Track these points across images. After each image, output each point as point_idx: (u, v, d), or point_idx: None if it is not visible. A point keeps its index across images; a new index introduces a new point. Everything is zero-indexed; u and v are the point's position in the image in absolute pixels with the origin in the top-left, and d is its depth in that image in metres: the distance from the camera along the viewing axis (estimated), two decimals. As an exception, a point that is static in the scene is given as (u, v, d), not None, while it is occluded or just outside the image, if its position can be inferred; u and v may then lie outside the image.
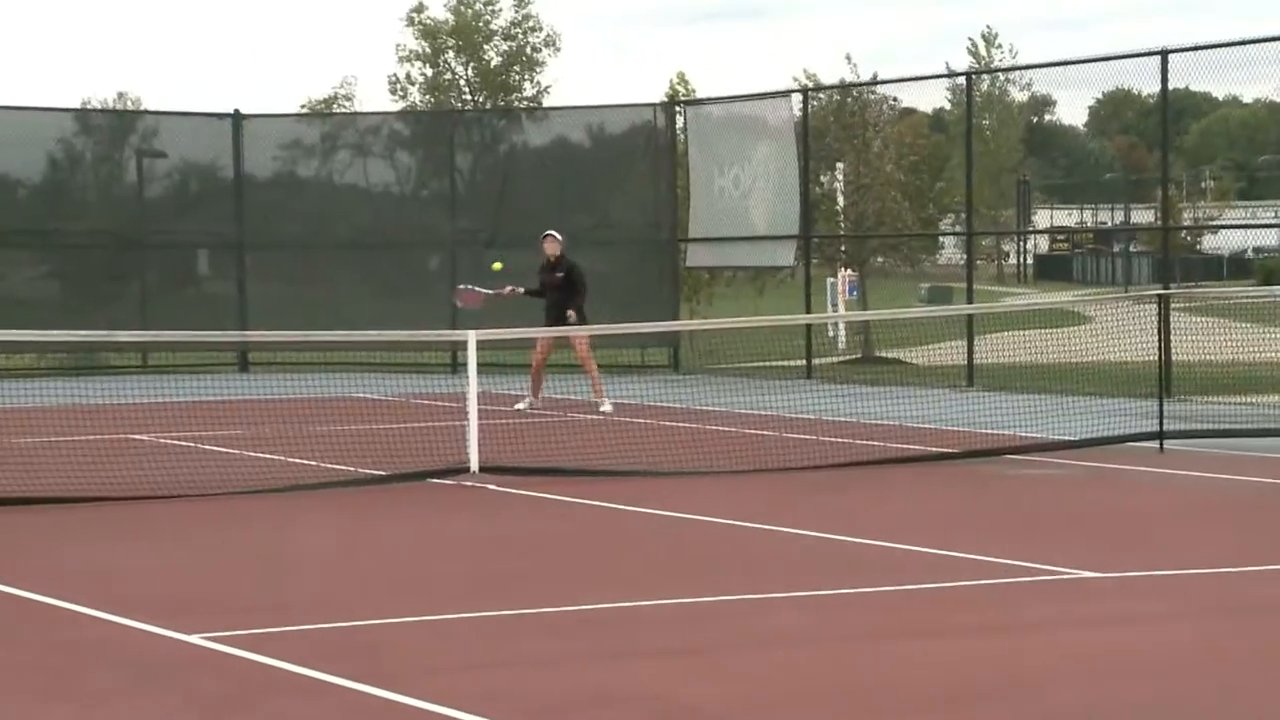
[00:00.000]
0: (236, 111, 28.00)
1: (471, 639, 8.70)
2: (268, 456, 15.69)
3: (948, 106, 45.01)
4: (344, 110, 54.54)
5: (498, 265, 21.22)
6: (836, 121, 31.05)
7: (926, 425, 17.95)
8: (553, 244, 20.41)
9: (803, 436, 17.16)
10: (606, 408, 19.69)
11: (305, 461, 15.31)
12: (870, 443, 16.28)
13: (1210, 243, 57.09)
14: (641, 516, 12.73)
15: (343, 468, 14.94)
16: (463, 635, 8.78)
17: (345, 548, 11.55)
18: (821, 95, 30.50)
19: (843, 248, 31.43)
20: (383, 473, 14.49)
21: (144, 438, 16.84)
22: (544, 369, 20.36)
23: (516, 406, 19.89)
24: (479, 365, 14.90)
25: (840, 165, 30.58)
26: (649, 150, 28.08)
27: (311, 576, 10.51)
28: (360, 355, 26.17)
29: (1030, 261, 67.04)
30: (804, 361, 24.97)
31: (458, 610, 9.29)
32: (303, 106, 57.96)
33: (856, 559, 10.94)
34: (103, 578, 10.46)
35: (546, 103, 55.93)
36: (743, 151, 26.61)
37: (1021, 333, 23.94)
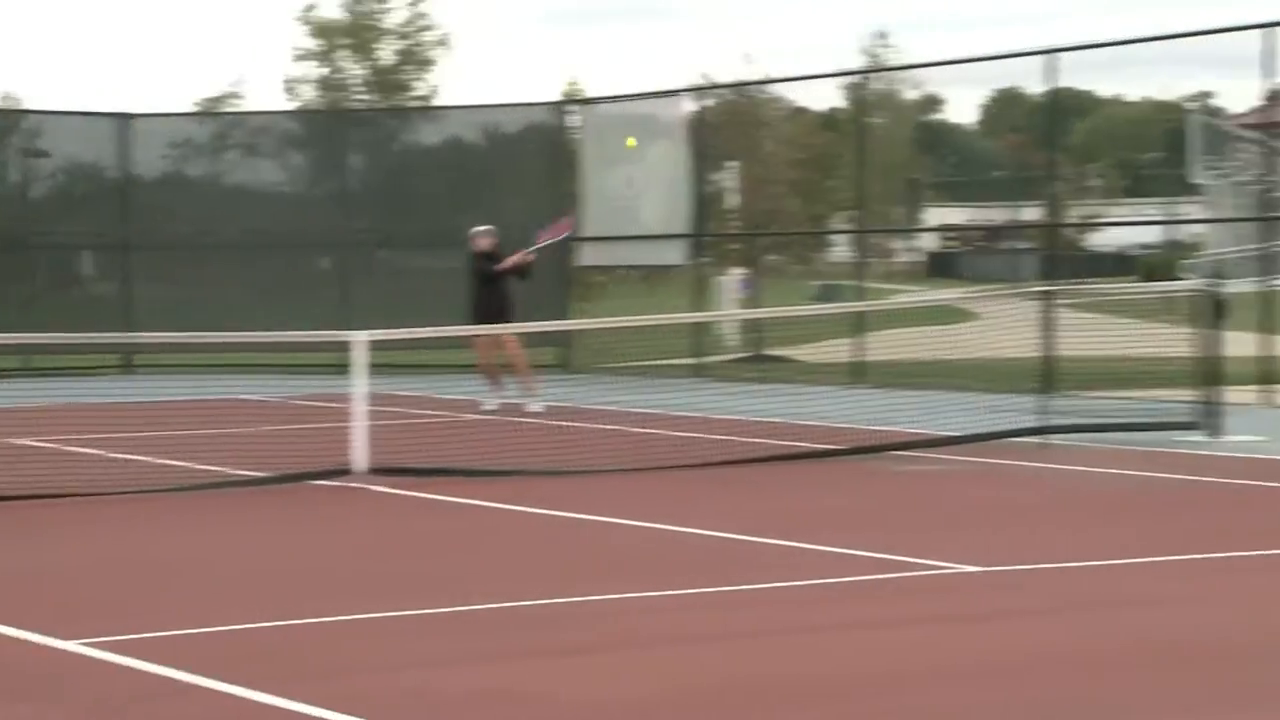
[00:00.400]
0: (123, 111, 27.75)
1: (352, 641, 8.65)
2: (148, 459, 15.52)
3: (842, 105, 45.25)
4: (235, 109, 54.13)
5: (631, 142, 21.30)
6: (729, 120, 31.17)
7: (815, 422, 18.03)
8: (487, 239, 20.34)
9: (692, 434, 17.19)
10: (537, 407, 19.57)
11: (186, 464, 15.17)
12: (760, 440, 16.34)
13: (1096, 240, 57.66)
14: (532, 516, 12.71)
15: (224, 470, 14.80)
16: (343, 637, 8.73)
17: (223, 551, 11.45)
18: (715, 94, 30.59)
19: (735, 246, 31.54)
20: (264, 474, 14.37)
21: (24, 441, 16.63)
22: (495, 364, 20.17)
23: (487, 408, 19.66)
24: (370, 366, 14.81)
25: (732, 164, 30.68)
26: (543, 149, 28.06)
27: (189, 580, 10.40)
28: (248, 357, 25.99)
29: (921, 260, 67.50)
30: (694, 360, 25.02)
31: (337, 613, 9.22)
32: (194, 105, 57.52)
33: (743, 556, 10.97)
34: (-24, 583, 10.32)
35: (439, 102, 55.77)
36: (636, 150, 26.64)
37: (911, 329, 24.12)
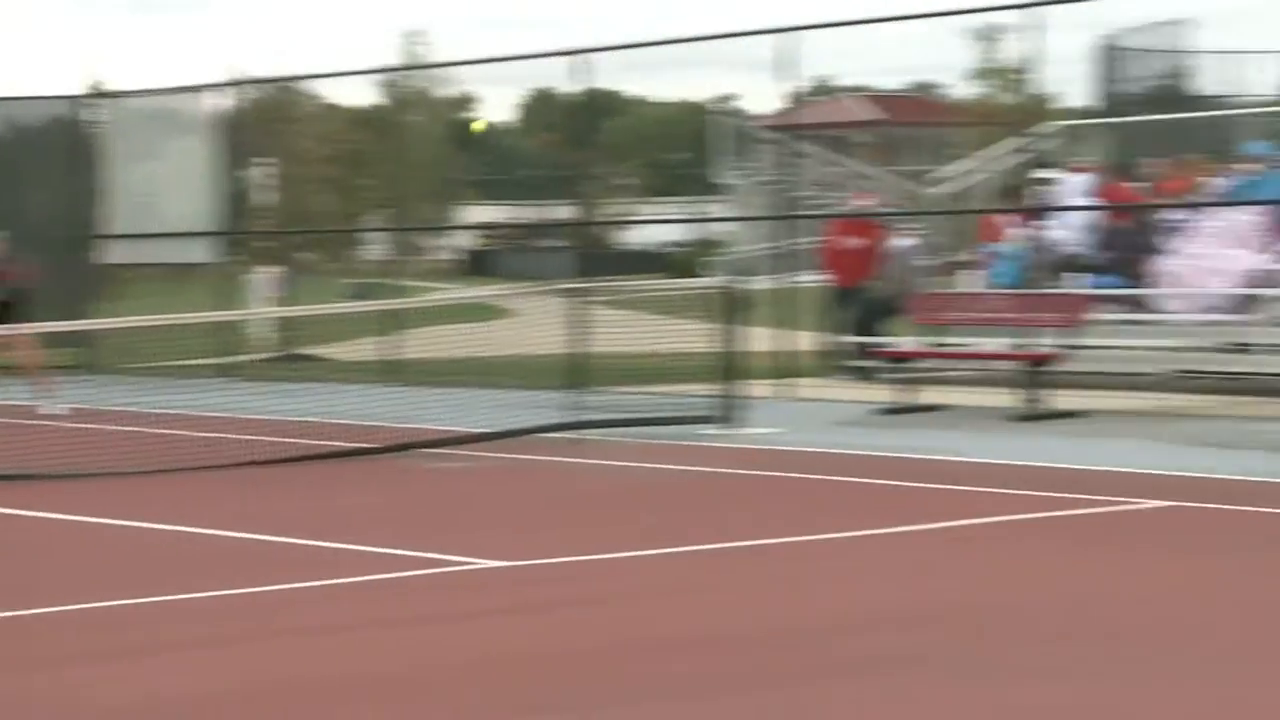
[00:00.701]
0: None
1: None
2: None
3: (377, 103, 45.06)
4: None
5: (480, 125, 20.47)
6: (260, 116, 30.71)
7: (347, 421, 17.89)
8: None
9: (219, 435, 16.85)
10: (60, 409, 19.00)
11: None
12: (290, 440, 16.11)
13: (626, 238, 58.83)
14: (49, 522, 12.27)
15: None
16: None
17: None
18: (246, 90, 30.10)
19: (266, 243, 31.10)
20: None
21: None
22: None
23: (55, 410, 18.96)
24: None
25: (262, 160, 30.25)
26: (66, 143, 27.19)
27: None
28: None
29: (458, 258, 67.80)
30: (220, 360, 24.58)
31: None
32: None
33: (264, 557, 10.78)
34: None
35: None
36: (161, 146, 26.07)
37: (446, 327, 24.15)
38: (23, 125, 28.07)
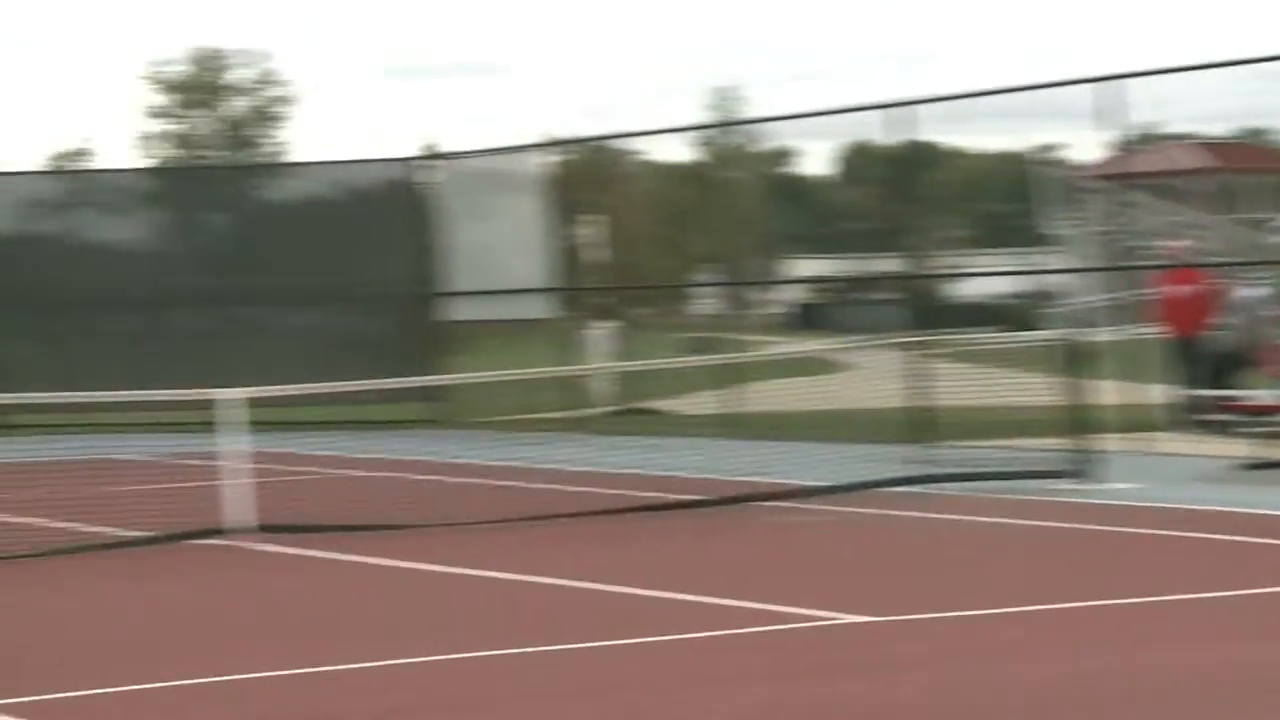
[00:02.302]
0: (-25, 169, 27.24)
1: (208, 705, 8.49)
2: (19, 520, 15.16)
3: (694, 160, 45.38)
4: (87, 167, 53.45)
5: None
6: (588, 175, 31.20)
7: (683, 474, 17.96)
8: None
9: (570, 488, 17.07)
10: None
11: (59, 524, 14.83)
12: (629, 493, 16.23)
13: (958, 290, 58.17)
14: (408, 573, 12.53)
15: (99, 529, 14.50)
16: (199, 701, 8.56)
17: (83, 612, 11.24)
18: (569, 149, 30.61)
19: (598, 299, 31.47)
20: (136, 534, 14.09)
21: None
22: None
23: None
24: (240, 423, 14.58)
25: (590, 217, 30.67)
26: (403, 205, 27.89)
27: (51, 642, 10.17)
28: (115, 416, 25.50)
29: (789, 311, 67.78)
30: (564, 414, 24.90)
31: (199, 674, 9.04)
32: (46, 162, 56.80)
33: (624, 610, 10.86)
34: None
35: (291, 157, 55.39)
36: (494, 205, 26.60)
37: (784, 381, 24.14)
38: (359, 188, 28.86)
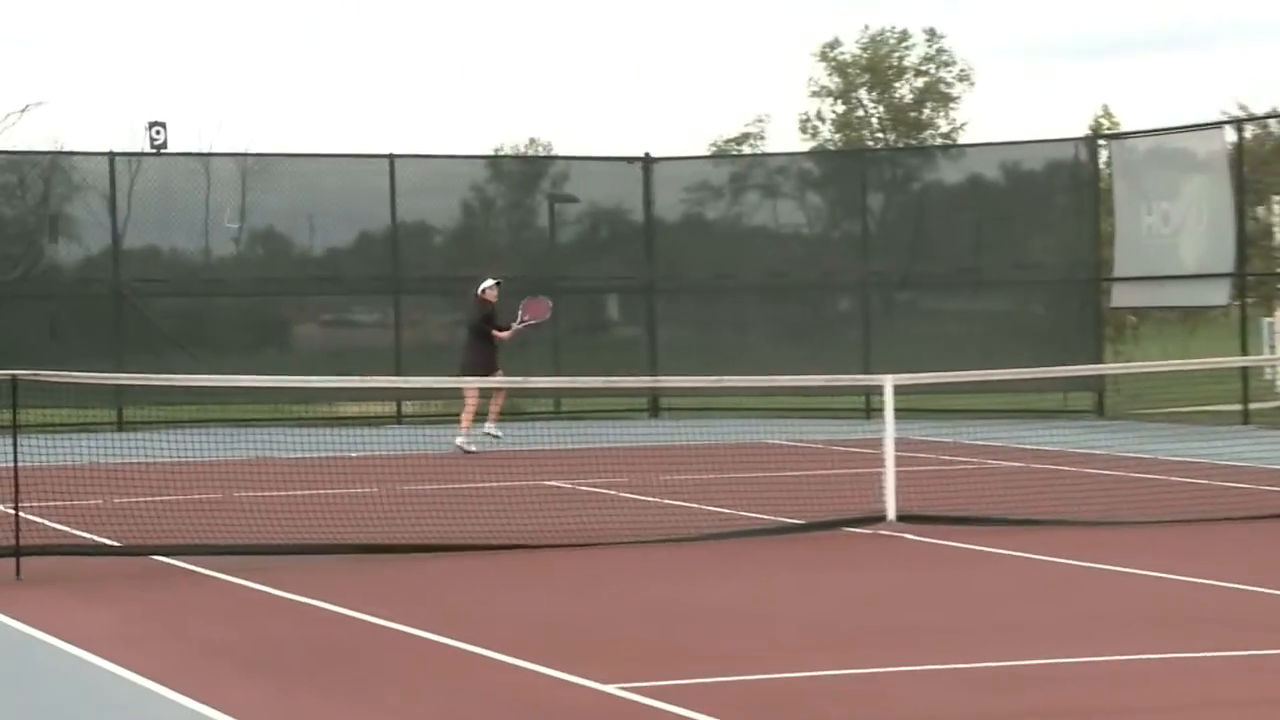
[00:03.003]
0: (647, 155, 27.94)
1: (890, 694, 8.25)
2: (680, 504, 15.34)
3: None
4: (752, 151, 54.50)
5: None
6: (1276, 153, 29.60)
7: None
8: (494, 293, 21.19)
9: (1239, 485, 16.10)
10: (461, 440, 20.32)
11: (717, 509, 14.91)
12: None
13: None
14: (1062, 568, 12.00)
15: (755, 515, 14.53)
16: (877, 690, 8.35)
17: (757, 598, 11.18)
18: (1255, 126, 29.08)
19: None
20: (797, 521, 14.04)
21: (560, 484, 16.70)
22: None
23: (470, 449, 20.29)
24: (894, 410, 14.31)
25: (1278, 199, 29.06)
26: (1070, 187, 27.10)
27: (726, 627, 10.19)
28: (769, 400, 25.74)
29: None
30: (1239, 406, 23.63)
31: (870, 664, 8.87)
32: (712, 146, 58.16)
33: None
34: (518, 624, 10.26)
35: (961, 139, 54.98)
36: (1172, 186, 25.43)
37: None
38: (1025, 169, 28.21)
